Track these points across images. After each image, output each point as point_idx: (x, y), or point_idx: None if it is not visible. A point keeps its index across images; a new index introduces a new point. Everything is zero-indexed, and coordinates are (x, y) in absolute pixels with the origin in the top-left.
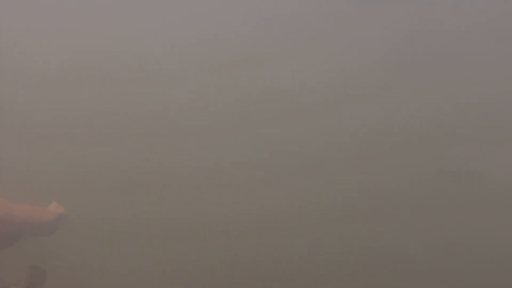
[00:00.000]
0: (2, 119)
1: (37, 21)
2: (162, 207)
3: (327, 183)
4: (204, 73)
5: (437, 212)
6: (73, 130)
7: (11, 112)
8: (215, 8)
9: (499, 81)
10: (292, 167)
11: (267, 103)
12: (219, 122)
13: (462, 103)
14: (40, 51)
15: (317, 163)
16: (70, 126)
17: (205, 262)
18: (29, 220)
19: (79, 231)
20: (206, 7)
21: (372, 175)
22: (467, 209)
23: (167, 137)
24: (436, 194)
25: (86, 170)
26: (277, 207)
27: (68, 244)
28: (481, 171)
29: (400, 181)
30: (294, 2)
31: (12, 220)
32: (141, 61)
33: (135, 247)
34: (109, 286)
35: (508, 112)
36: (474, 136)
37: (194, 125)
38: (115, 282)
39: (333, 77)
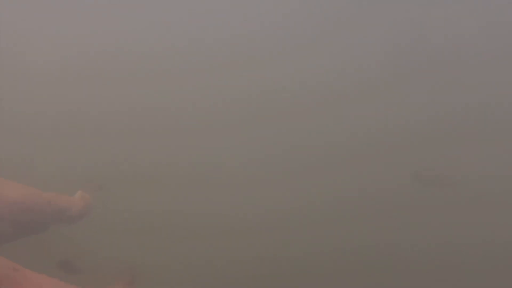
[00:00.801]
0: (38, 117)
1: (44, 22)
2: (169, 205)
3: (328, 183)
4: (207, 73)
5: (435, 212)
6: (96, 127)
7: (45, 111)
8: (215, 8)
9: (498, 83)
10: (295, 167)
11: (270, 104)
12: (227, 123)
13: (461, 105)
14: (54, 52)
15: (319, 163)
16: (95, 124)
17: (210, 260)
18: (56, 208)
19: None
20: (207, 7)
21: (372, 176)
22: (464, 210)
23: (175, 136)
24: (434, 195)
25: (104, 165)
26: (280, 207)
27: (84, 236)
28: (478, 173)
29: (399, 181)
30: (295, 3)
31: (40, 208)
32: (151, 62)
33: (149, 242)
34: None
35: (506, 113)
36: (472, 138)
37: (203, 125)
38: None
39: (333, 79)
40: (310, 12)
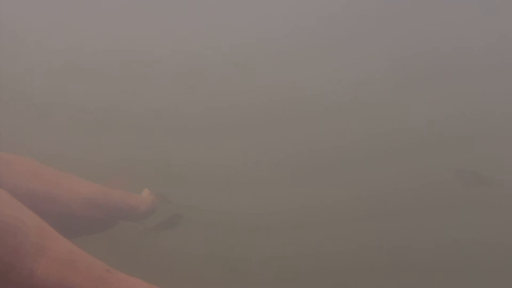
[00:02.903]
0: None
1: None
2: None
3: (342, 184)
4: (231, 77)
5: (445, 213)
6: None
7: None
8: (231, 12)
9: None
10: (310, 168)
11: (283, 107)
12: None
13: (483, 109)
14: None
15: (333, 165)
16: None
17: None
18: (125, 205)
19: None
20: (214, 12)
21: (383, 178)
22: (476, 211)
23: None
24: (445, 196)
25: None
26: (292, 207)
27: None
28: (495, 174)
29: (408, 183)
30: (304, 14)
31: (110, 205)
32: (183, 61)
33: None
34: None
35: None
36: (486, 140)
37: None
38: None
39: (345, 84)
40: (322, 20)
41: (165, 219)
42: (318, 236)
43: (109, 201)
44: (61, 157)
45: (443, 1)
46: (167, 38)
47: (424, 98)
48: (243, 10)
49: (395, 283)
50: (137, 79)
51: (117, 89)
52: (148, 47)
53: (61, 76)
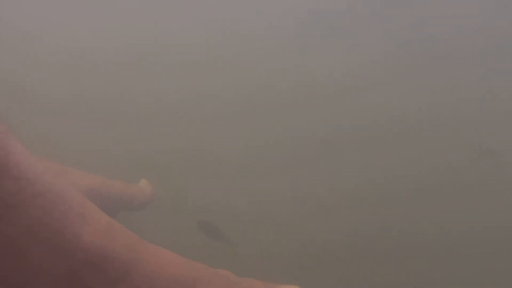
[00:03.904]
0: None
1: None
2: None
3: (351, 169)
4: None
5: (447, 201)
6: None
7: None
8: (226, 7)
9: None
10: (318, 155)
11: (288, 96)
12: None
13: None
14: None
15: (342, 150)
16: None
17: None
18: (125, 195)
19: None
20: (214, 5)
21: (395, 162)
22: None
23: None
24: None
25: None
26: (300, 194)
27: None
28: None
29: (417, 169)
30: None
31: (111, 195)
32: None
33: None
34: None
35: None
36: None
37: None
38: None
39: (353, 69)
40: (319, 12)
41: (212, 234)
42: (322, 226)
43: (110, 192)
44: (59, 150)
45: None
46: (163, 32)
47: (425, 85)
48: (243, 4)
49: (401, 271)
50: (131, 72)
51: (112, 81)
52: (144, 41)
53: (54, 72)
